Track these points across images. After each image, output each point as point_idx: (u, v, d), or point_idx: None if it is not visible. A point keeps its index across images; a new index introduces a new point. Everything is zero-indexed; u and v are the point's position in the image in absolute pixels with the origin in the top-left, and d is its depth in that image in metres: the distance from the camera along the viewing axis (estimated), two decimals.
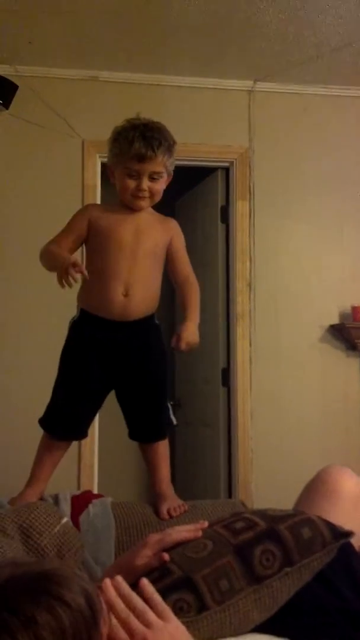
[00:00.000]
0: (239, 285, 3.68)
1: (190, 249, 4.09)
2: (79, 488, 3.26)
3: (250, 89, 3.73)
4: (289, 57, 3.44)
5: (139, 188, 1.99)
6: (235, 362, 3.66)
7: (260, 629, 1.27)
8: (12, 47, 3.32)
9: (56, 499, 2.05)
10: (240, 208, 3.72)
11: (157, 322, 2.16)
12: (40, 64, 3.48)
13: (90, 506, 2.05)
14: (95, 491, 3.26)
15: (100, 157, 3.58)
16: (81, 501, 2.08)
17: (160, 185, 2.04)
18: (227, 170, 3.80)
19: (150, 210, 2.12)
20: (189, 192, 4.22)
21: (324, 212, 3.75)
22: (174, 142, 2.04)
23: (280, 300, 3.71)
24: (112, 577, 1.39)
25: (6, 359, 3.41)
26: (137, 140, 1.94)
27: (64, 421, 2.08)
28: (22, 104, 3.45)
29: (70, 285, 1.85)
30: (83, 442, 3.36)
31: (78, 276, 1.84)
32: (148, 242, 2.06)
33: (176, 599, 1.22)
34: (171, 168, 2.05)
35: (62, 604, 0.90)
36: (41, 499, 2.04)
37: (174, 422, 2.21)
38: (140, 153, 1.94)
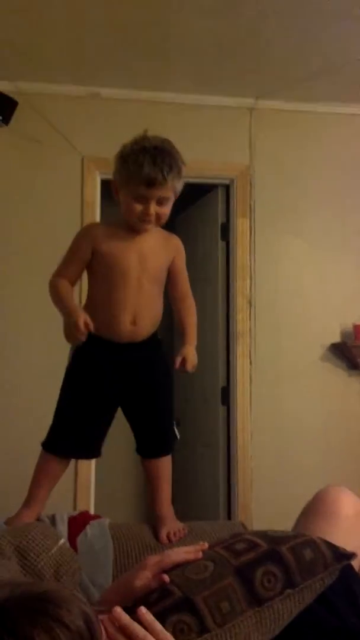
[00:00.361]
0: (239, 302, 3.66)
1: (190, 265, 4.07)
2: (75, 508, 3.21)
3: (251, 106, 3.73)
4: (291, 74, 3.44)
5: (146, 212, 1.93)
6: (235, 381, 3.62)
7: None
8: (12, 63, 3.32)
9: (53, 520, 2.01)
10: (240, 225, 3.70)
11: (159, 337, 2.15)
12: (40, 80, 3.48)
13: (87, 527, 2.01)
14: (92, 511, 3.20)
15: (100, 174, 3.57)
16: (78, 522, 2.04)
17: (168, 209, 1.97)
18: (227, 187, 3.80)
19: (154, 228, 2.05)
20: (189, 209, 4.21)
21: (325, 229, 3.74)
22: (184, 164, 1.96)
23: (280, 318, 3.68)
24: (110, 599, 1.36)
25: (3, 377, 3.37)
26: (148, 165, 1.86)
27: (64, 438, 2.04)
28: (22, 120, 3.44)
29: (81, 341, 1.88)
30: (80, 461, 3.32)
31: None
32: (152, 267, 2.03)
33: (176, 620, 1.19)
34: (179, 189, 1.98)
35: (61, 626, 0.88)
36: (38, 519, 2.00)
37: (177, 435, 2.18)
38: (150, 178, 1.86)
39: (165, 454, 2.13)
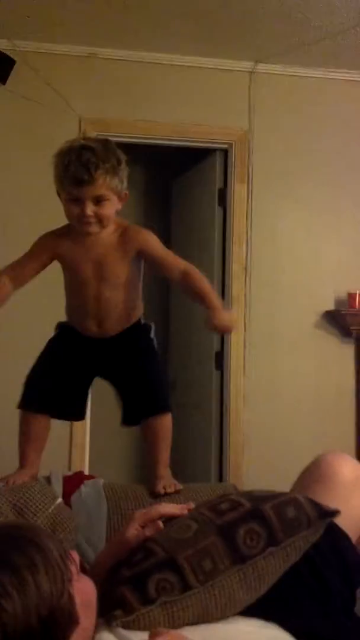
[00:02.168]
0: (235, 268, 3.67)
1: (186, 231, 4.12)
2: (69, 469, 3.25)
3: (251, 70, 3.68)
4: (291, 39, 3.40)
5: (82, 214, 1.85)
6: (229, 346, 3.65)
7: (248, 613, 1.28)
8: (10, 21, 3.26)
9: (49, 480, 2.04)
10: (238, 191, 3.69)
11: (143, 323, 2.12)
12: (38, 40, 3.43)
13: (82, 487, 2.03)
14: (86, 472, 3.25)
15: (97, 134, 3.53)
16: (73, 482, 2.07)
17: (109, 209, 1.87)
18: (225, 152, 3.77)
19: (113, 224, 1.96)
20: (186, 173, 4.18)
21: (322, 197, 3.73)
22: (120, 162, 1.87)
23: (275, 285, 3.70)
24: (104, 559, 1.40)
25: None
26: (73, 164, 1.80)
27: (35, 394, 2.05)
28: (19, 79, 3.40)
29: None
30: (74, 423, 3.36)
31: None
32: (112, 274, 1.97)
33: (159, 578, 1.22)
34: (120, 188, 1.88)
35: (37, 549, 0.97)
36: (34, 479, 2.03)
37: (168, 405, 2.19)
38: (76, 177, 1.80)
39: (158, 412, 2.11)
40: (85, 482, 2.07)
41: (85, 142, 1.88)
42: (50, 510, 1.59)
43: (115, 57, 3.57)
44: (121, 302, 2.02)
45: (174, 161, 4.33)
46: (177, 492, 2.03)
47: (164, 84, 3.62)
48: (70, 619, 0.97)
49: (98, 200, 1.84)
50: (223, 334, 1.97)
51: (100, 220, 1.88)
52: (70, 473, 2.18)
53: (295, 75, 3.73)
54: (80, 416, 2.19)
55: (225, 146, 3.74)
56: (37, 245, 2.02)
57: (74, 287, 2.02)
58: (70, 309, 2.08)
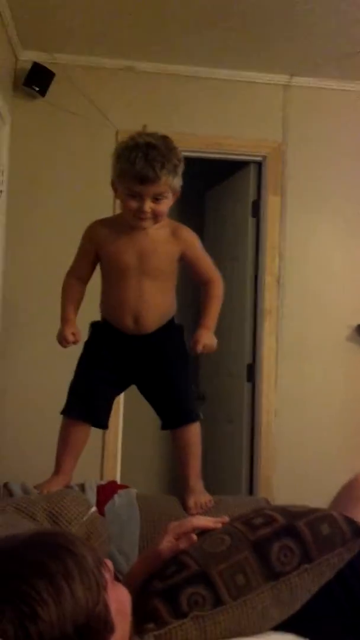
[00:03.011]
0: (268, 280, 3.67)
1: (219, 242, 4.13)
2: (101, 477, 3.28)
3: (286, 83, 3.69)
4: (326, 52, 3.40)
5: (141, 210, 1.92)
6: (261, 358, 3.64)
7: (280, 630, 1.27)
8: (50, 34, 3.33)
9: (82, 488, 2.06)
10: (271, 203, 3.69)
11: (176, 323, 2.16)
12: (77, 53, 3.49)
13: (115, 496, 2.05)
14: (118, 481, 3.27)
15: None
16: (107, 491, 2.09)
17: (164, 206, 1.95)
18: (259, 164, 3.78)
19: (164, 221, 2.03)
20: (220, 185, 4.20)
21: (355, 209, 3.71)
22: (180, 161, 1.93)
23: (308, 297, 3.68)
24: (138, 570, 1.41)
25: (30, 354, 3.43)
26: (139, 161, 1.85)
27: (78, 402, 2.10)
28: (58, 92, 3.46)
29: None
30: (106, 431, 3.39)
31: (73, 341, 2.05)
32: (154, 262, 2.03)
33: (191, 592, 1.22)
34: (177, 186, 1.96)
35: (74, 558, 0.97)
36: (68, 487, 2.06)
37: (200, 416, 2.21)
38: (142, 175, 1.85)
39: (184, 423, 2.14)
40: (119, 491, 2.09)
41: (150, 139, 1.90)
42: (84, 519, 1.61)
43: (151, 71, 3.61)
44: (159, 296, 2.07)
45: (208, 173, 4.34)
46: (210, 508, 2.04)
47: (199, 97, 3.64)
48: (105, 627, 0.97)
49: (156, 198, 1.91)
50: (198, 351, 2.00)
51: (156, 216, 1.95)
52: (103, 482, 2.20)
53: (329, 89, 3.72)
54: (106, 425, 2.21)
55: (259, 158, 3.75)
56: (84, 239, 2.11)
57: (114, 278, 2.05)
58: (106, 304, 2.11)
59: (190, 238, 2.10)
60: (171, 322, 2.14)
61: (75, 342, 2.05)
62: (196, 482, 2.14)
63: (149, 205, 1.91)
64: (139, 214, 1.93)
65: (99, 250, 2.06)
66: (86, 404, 2.10)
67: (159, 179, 1.86)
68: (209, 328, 2.05)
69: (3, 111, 3.21)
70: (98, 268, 2.14)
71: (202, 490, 2.13)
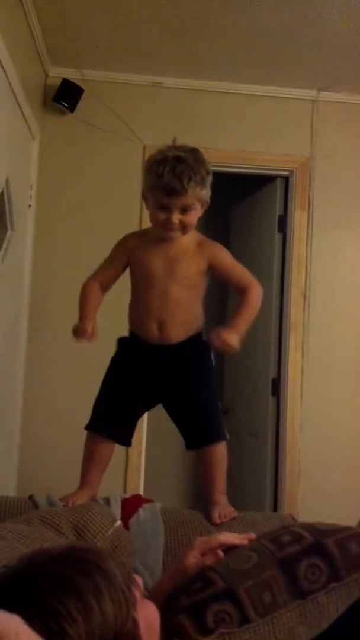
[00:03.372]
0: (294, 295, 3.65)
1: (245, 256, 4.10)
2: (125, 491, 3.28)
3: (313, 98, 3.70)
4: (354, 66, 3.40)
5: (169, 221, 1.95)
6: (287, 373, 3.62)
7: None
8: (79, 51, 3.37)
9: (107, 502, 2.06)
10: (298, 218, 3.69)
11: (204, 339, 2.14)
12: (105, 69, 3.53)
13: (140, 510, 2.04)
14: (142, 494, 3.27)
15: None
16: (131, 505, 2.08)
17: (193, 217, 1.98)
18: (286, 179, 3.78)
19: (192, 234, 2.06)
20: (246, 200, 4.21)
21: None
22: (208, 173, 1.96)
23: (335, 313, 3.66)
24: (163, 585, 1.40)
25: (56, 365, 3.45)
26: (167, 174, 1.88)
27: (103, 418, 2.10)
28: (86, 107, 3.50)
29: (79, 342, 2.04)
30: (130, 447, 3.39)
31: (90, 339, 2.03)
32: (181, 271, 2.04)
33: (217, 609, 1.21)
34: (206, 198, 1.99)
35: (103, 574, 0.97)
36: (93, 500, 2.05)
37: (227, 436, 2.18)
38: (169, 188, 1.89)
39: (209, 443, 2.13)
40: (144, 505, 2.08)
41: (178, 152, 1.92)
42: (109, 532, 1.60)
43: (179, 86, 3.64)
44: (185, 304, 2.07)
45: (235, 187, 4.35)
46: (233, 519, 2.03)
47: (226, 112, 3.66)
48: None
49: (184, 209, 1.94)
50: (219, 350, 1.98)
51: (184, 227, 1.98)
52: (128, 496, 2.19)
53: (357, 103, 3.72)
54: (130, 442, 2.20)
55: (286, 173, 3.75)
56: (116, 247, 2.14)
57: (142, 285, 2.08)
58: (133, 314, 2.13)
59: (216, 249, 2.12)
60: (198, 336, 2.14)
61: (90, 338, 2.03)
62: (221, 496, 2.14)
63: (176, 217, 1.94)
64: (167, 225, 1.96)
65: (130, 258, 2.10)
66: (110, 420, 2.11)
67: (185, 192, 1.89)
68: (235, 328, 2.02)
69: (32, 126, 3.25)
70: (126, 282, 2.15)
71: (227, 503, 2.12)
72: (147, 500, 2.17)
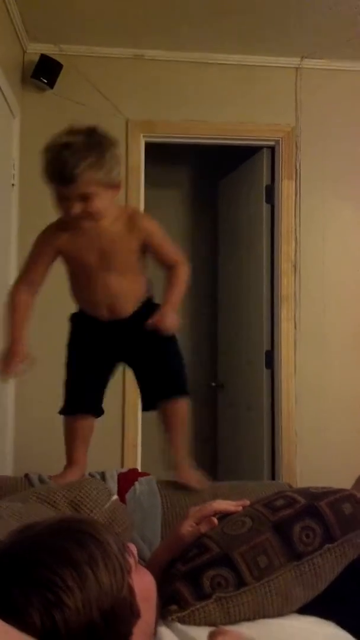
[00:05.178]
0: (284, 266, 3.64)
1: (234, 229, 4.12)
2: (122, 466, 3.28)
3: (297, 66, 3.65)
4: (338, 33, 3.35)
5: (69, 213, 1.81)
6: (280, 345, 3.62)
7: (305, 611, 1.26)
8: (56, 25, 3.31)
9: (103, 477, 2.06)
10: (285, 188, 3.66)
11: (154, 302, 2.08)
12: (84, 43, 3.47)
13: (136, 484, 2.05)
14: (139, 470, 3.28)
15: (144, 136, 3.56)
16: (128, 479, 2.08)
17: (98, 204, 1.81)
18: (272, 149, 3.74)
19: (117, 213, 1.92)
20: (233, 171, 4.18)
21: None
22: (104, 152, 1.79)
23: (326, 283, 3.65)
24: (160, 555, 1.40)
25: (42, 346, 3.41)
26: (52, 162, 1.76)
27: (74, 398, 2.09)
28: (66, 83, 3.45)
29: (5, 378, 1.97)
30: (126, 421, 3.40)
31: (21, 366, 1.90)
32: (116, 261, 1.95)
33: (214, 574, 1.23)
34: (110, 179, 1.81)
35: (97, 543, 0.98)
36: (90, 475, 2.06)
37: (187, 392, 2.14)
38: (57, 177, 1.76)
39: (175, 395, 2.09)
40: (140, 479, 2.08)
41: (68, 137, 1.79)
42: (106, 506, 1.60)
43: (160, 58, 3.58)
44: (128, 285, 2.02)
45: (221, 159, 4.32)
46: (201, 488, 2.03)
47: (209, 83, 3.61)
48: (131, 612, 0.97)
49: (84, 197, 1.79)
50: (158, 330, 1.92)
51: (90, 215, 1.83)
52: (124, 470, 2.20)
53: (341, 70, 3.67)
54: (102, 411, 2.15)
55: (272, 143, 3.71)
56: (38, 243, 1.99)
57: (79, 277, 2.00)
58: (77, 296, 2.06)
59: (148, 226, 1.99)
60: (148, 301, 2.08)
61: (24, 362, 1.92)
62: (182, 457, 2.13)
63: (77, 207, 1.79)
64: (71, 216, 1.83)
65: (59, 252, 1.97)
66: (84, 399, 2.09)
67: (75, 179, 1.74)
68: (171, 306, 1.94)
69: (12, 104, 3.20)
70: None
71: (189, 465, 2.13)
72: (143, 474, 2.18)
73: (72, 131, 1.82)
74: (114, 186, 1.86)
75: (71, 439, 2.09)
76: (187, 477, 2.07)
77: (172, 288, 2.00)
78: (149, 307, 2.07)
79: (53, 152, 1.78)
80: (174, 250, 2.04)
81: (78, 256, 1.95)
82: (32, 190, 3.44)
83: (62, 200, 1.81)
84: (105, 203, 1.84)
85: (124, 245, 1.95)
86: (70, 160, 1.73)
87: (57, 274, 2.03)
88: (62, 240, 1.95)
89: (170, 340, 2.09)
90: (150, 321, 1.91)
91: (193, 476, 2.08)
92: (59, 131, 1.82)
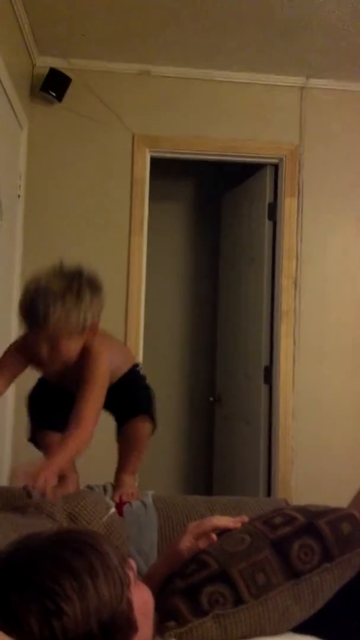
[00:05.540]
0: (285, 283, 3.66)
1: (236, 245, 4.15)
2: None
3: (302, 85, 3.69)
4: (343, 53, 3.39)
5: (37, 354, 1.78)
6: (278, 360, 3.64)
7: (302, 630, 1.27)
8: (66, 40, 3.35)
9: (105, 490, 2.07)
10: (288, 205, 3.69)
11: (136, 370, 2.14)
12: (93, 57, 3.51)
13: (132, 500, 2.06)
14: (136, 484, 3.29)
15: (150, 151, 3.59)
16: None
17: (64, 349, 1.77)
18: (276, 167, 3.78)
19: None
20: (236, 188, 4.21)
21: None
22: (81, 300, 1.73)
23: (325, 299, 3.67)
24: (158, 569, 1.41)
25: None
26: (25, 306, 1.74)
27: (41, 426, 2.12)
28: (74, 96, 3.48)
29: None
30: None
31: None
32: (74, 379, 1.86)
33: (212, 591, 1.23)
34: (83, 325, 1.76)
35: (98, 555, 0.98)
36: (90, 488, 2.07)
37: (154, 416, 2.14)
38: (29, 321, 1.74)
39: (132, 416, 2.09)
40: None
41: (47, 280, 1.74)
42: (104, 520, 1.61)
43: (167, 75, 3.62)
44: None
45: (225, 175, 4.36)
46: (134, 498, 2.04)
47: (215, 100, 3.65)
48: (129, 625, 0.97)
49: (52, 343, 1.76)
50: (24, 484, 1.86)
51: (54, 360, 1.79)
52: None
53: (346, 90, 3.72)
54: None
55: (275, 161, 3.75)
56: (4, 360, 1.94)
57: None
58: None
59: (92, 363, 1.86)
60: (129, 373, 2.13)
61: None
62: (128, 476, 2.13)
63: (44, 350, 1.76)
64: (36, 357, 1.80)
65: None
66: (44, 420, 2.11)
67: (45, 326, 1.71)
68: (54, 462, 1.75)
69: (20, 116, 3.23)
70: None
71: (133, 484, 2.14)
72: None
73: (56, 272, 1.77)
74: (84, 332, 1.80)
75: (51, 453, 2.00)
76: (123, 496, 2.06)
77: (61, 447, 1.84)
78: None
79: (29, 294, 1.74)
80: (87, 405, 1.82)
81: (39, 371, 1.96)
82: (38, 201, 3.49)
83: (33, 340, 1.78)
84: (73, 347, 1.80)
85: (77, 362, 1.86)
86: (41, 307, 1.70)
87: None
88: (26, 355, 1.88)
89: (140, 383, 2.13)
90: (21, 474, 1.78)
91: (130, 494, 2.07)
92: (45, 270, 1.77)
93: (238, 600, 1.22)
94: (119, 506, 1.99)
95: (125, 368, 2.10)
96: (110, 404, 2.02)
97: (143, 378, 2.18)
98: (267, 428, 3.69)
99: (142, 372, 2.19)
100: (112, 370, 1.95)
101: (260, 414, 3.72)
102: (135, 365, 2.17)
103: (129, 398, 2.11)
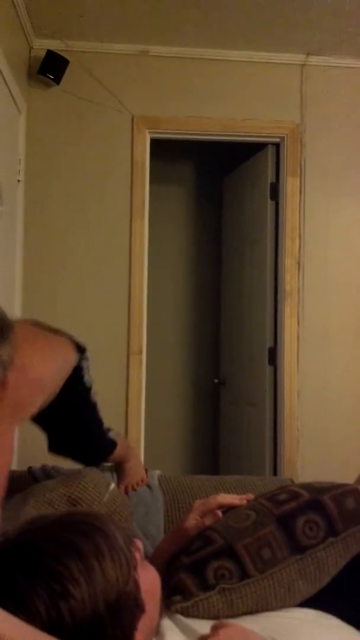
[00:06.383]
0: (288, 263, 3.64)
1: (238, 225, 4.13)
2: None
3: (302, 62, 3.65)
4: (343, 30, 3.35)
5: None
6: (283, 341, 3.63)
7: (308, 604, 1.27)
8: (63, 22, 3.31)
9: (113, 470, 2.07)
10: (290, 185, 3.66)
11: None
12: (90, 39, 3.47)
13: None
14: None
15: (149, 133, 3.57)
16: None
17: None
18: (277, 146, 3.74)
19: None
20: (238, 168, 4.18)
21: None
22: None
23: (329, 279, 3.65)
24: (164, 547, 1.42)
25: None
26: None
27: None
28: (72, 79, 3.45)
29: None
30: (130, 419, 3.43)
31: None
32: None
33: (217, 566, 1.24)
34: None
35: (104, 536, 0.99)
36: None
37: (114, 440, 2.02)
38: None
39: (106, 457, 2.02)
40: None
41: None
42: (105, 499, 1.61)
43: (166, 54, 3.58)
44: None
45: (226, 156, 4.33)
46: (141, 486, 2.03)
47: (215, 80, 3.62)
48: (136, 606, 0.97)
49: None
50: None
51: None
52: None
53: (347, 67, 3.68)
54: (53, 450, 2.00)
55: (277, 140, 3.71)
56: None
57: None
58: None
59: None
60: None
61: None
62: (134, 463, 2.10)
63: None
64: None
65: None
66: None
67: None
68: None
69: (18, 100, 3.21)
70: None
71: (138, 470, 2.09)
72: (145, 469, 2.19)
73: None
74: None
75: None
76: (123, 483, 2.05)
77: None
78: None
79: None
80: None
81: None
82: (38, 186, 3.47)
83: None
84: None
85: None
86: None
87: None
88: None
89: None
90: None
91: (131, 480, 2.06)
92: None
93: (243, 575, 1.23)
94: (124, 492, 2.00)
95: (65, 375, 1.75)
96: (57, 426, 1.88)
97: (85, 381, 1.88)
98: (272, 409, 3.69)
99: (86, 363, 1.86)
100: (49, 394, 1.65)
101: (266, 395, 3.71)
102: (80, 361, 1.83)
103: (80, 432, 1.93)
